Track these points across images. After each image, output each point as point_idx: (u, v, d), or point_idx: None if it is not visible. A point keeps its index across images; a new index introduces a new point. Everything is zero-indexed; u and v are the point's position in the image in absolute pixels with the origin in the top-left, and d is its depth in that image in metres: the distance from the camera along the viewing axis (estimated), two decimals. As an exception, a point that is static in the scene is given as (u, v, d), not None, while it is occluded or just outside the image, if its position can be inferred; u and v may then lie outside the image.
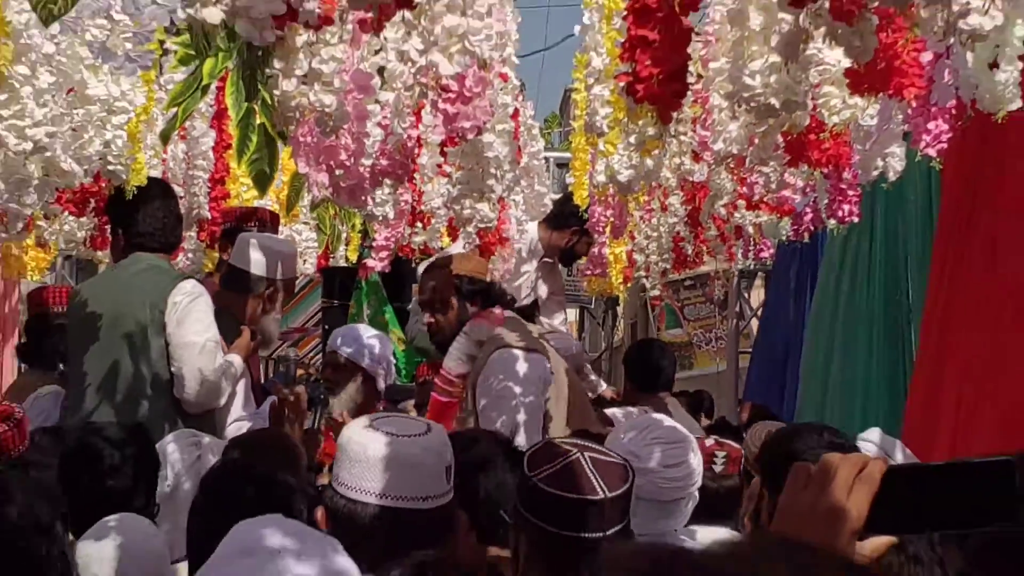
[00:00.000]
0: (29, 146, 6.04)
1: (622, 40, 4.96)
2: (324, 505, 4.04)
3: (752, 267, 15.22)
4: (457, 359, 7.54)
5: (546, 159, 15.07)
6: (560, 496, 4.03)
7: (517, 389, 7.21)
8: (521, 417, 7.15)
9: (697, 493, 5.41)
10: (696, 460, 5.71)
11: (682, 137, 7.09)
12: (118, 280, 6.90)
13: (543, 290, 10.62)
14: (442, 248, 10.50)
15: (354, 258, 12.36)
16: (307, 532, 2.80)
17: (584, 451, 4.45)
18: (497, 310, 7.61)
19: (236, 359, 7.03)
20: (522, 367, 7.30)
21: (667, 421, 6.11)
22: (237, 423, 7.38)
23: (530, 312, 9.77)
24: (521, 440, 6.86)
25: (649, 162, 6.81)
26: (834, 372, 11.15)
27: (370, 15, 3.81)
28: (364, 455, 3.95)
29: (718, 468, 5.89)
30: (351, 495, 3.92)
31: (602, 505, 4.05)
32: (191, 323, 6.64)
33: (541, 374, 7.41)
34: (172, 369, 6.69)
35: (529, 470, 4.12)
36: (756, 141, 5.96)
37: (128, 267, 6.92)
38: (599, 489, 4.06)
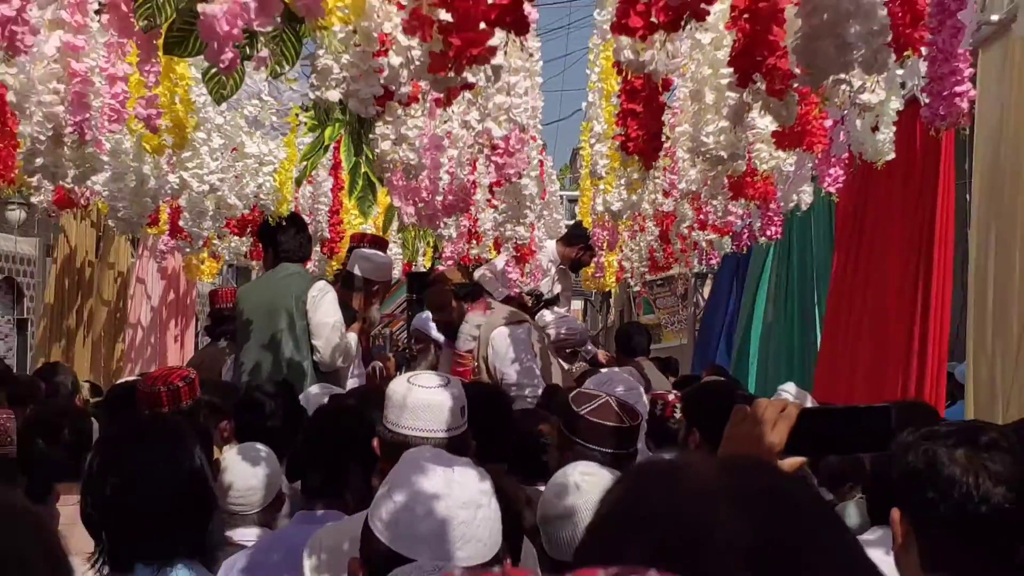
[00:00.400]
0: (206, 188, 6.04)
1: (616, 112, 4.94)
2: (378, 437, 4.01)
3: (704, 271, 15.31)
4: (464, 340, 7.57)
5: (560, 196, 15.03)
6: (601, 424, 4.10)
7: (515, 352, 7.32)
8: (526, 367, 7.28)
9: (645, 424, 5.40)
10: (644, 400, 5.80)
11: (657, 180, 7.09)
12: (271, 282, 6.98)
13: (558, 288, 10.63)
14: (490, 259, 10.52)
15: (428, 265, 12.39)
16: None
17: (610, 395, 4.68)
18: (481, 301, 7.66)
19: (352, 336, 7.11)
20: (515, 335, 7.40)
21: (628, 376, 6.20)
22: (352, 380, 7.46)
23: (553, 301, 9.80)
24: (527, 382, 7.13)
25: (634, 197, 6.78)
26: (762, 343, 11.31)
27: (442, 95, 3.76)
28: (403, 401, 3.93)
29: (677, 415, 5.84)
30: (395, 429, 3.89)
31: (628, 431, 4.10)
32: (324, 309, 6.72)
33: (528, 336, 7.54)
34: (312, 341, 6.76)
35: (575, 406, 4.20)
36: (709, 182, 5.97)
37: (277, 273, 6.99)
38: (625, 421, 4.13)
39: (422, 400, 3.97)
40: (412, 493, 2.50)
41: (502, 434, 4.67)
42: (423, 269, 12.33)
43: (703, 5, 2.93)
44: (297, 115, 7.30)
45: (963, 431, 2.75)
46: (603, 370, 7.67)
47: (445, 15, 2.69)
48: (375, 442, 4.02)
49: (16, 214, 12.42)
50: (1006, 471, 2.53)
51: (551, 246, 10.93)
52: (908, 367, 7.14)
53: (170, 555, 2.92)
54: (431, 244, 11.75)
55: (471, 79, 3.12)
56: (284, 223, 7.21)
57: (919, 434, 2.72)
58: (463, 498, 2.50)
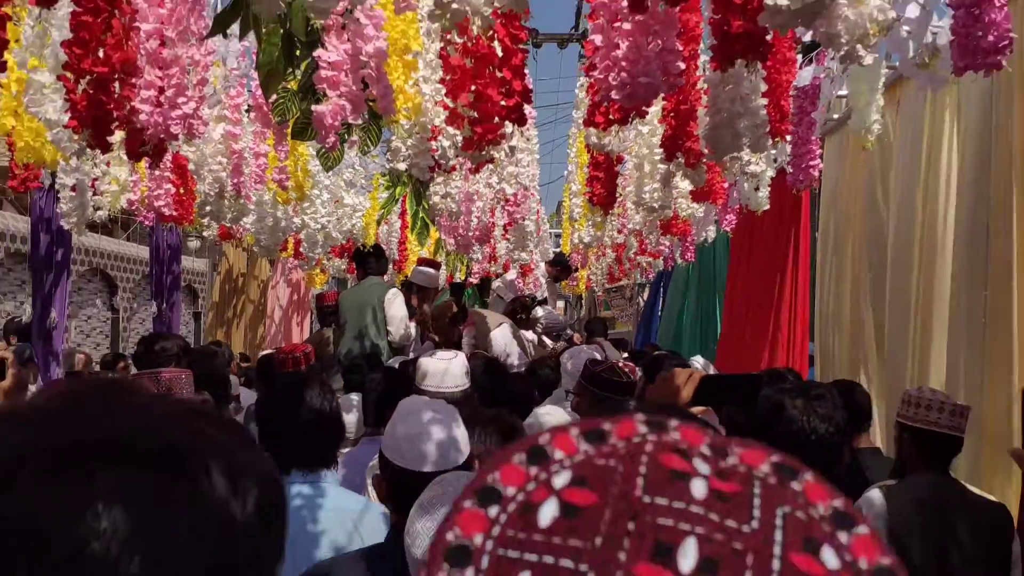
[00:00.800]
0: (318, 227, 6.03)
1: (587, 177, 4.92)
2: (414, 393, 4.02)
3: (644, 282, 15.26)
4: (465, 348, 7.09)
5: (550, 233, 15.00)
6: (612, 379, 4.05)
7: (504, 341, 7.07)
8: (513, 349, 7.06)
9: None
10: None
11: (613, 222, 7.06)
12: (361, 289, 6.91)
13: (547, 293, 10.58)
14: (503, 274, 10.54)
15: (463, 277, 12.31)
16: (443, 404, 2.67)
17: (616, 361, 4.61)
18: (469, 322, 7.19)
19: (413, 325, 7.05)
20: (502, 332, 7.12)
21: (593, 350, 6.06)
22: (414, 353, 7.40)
23: (543, 302, 9.72)
24: (515, 360, 6.90)
25: (598, 233, 6.76)
26: (680, 329, 11.25)
27: (474, 166, 3.76)
28: (425, 368, 3.95)
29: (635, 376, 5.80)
30: (421, 387, 3.89)
31: (629, 384, 4.07)
32: (395, 307, 6.66)
33: (509, 330, 7.20)
34: (388, 328, 6.72)
35: (593, 367, 4.15)
36: (647, 224, 5.94)
37: (366, 283, 6.92)
38: (626, 377, 4.09)
39: (436, 367, 3.98)
40: (407, 426, 2.45)
41: (500, 388, 4.62)
42: (459, 279, 12.29)
43: (643, 108, 2.90)
44: (378, 179, 7.33)
45: (800, 387, 2.83)
46: (577, 347, 7.64)
47: (472, 113, 2.69)
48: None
49: (194, 243, 12.45)
50: (827, 413, 2.61)
51: (542, 266, 10.91)
52: (779, 345, 7.12)
53: (316, 464, 2.89)
54: (465, 264, 11.72)
55: (495, 155, 3.11)
56: (370, 251, 7.19)
57: (773, 389, 2.75)
58: (440, 423, 2.48)
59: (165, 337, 4.75)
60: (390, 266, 10.13)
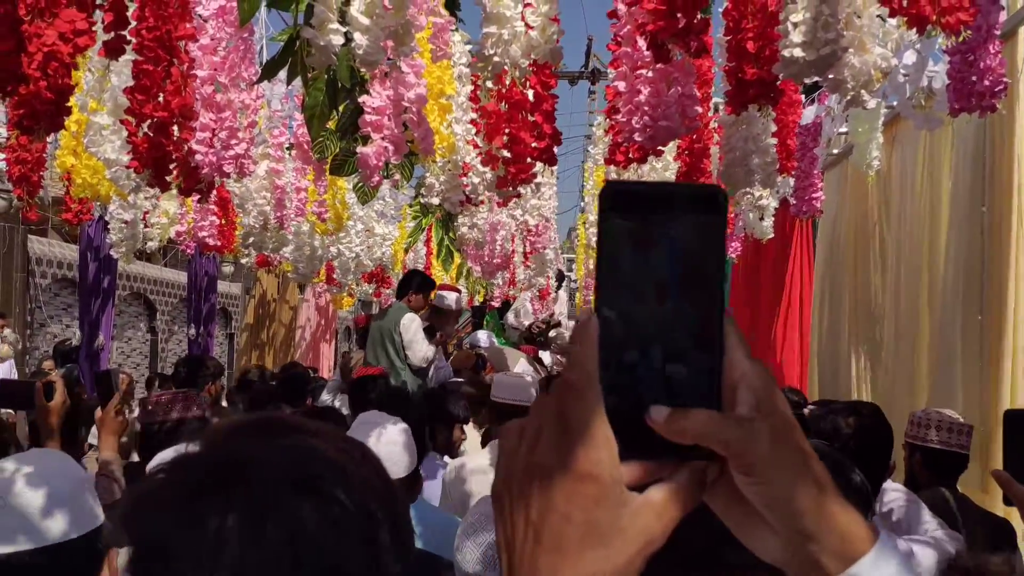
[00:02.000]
0: (352, 255, 6.08)
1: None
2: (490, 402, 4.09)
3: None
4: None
5: (564, 258, 15.01)
6: None
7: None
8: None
9: None
10: None
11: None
12: (386, 313, 6.87)
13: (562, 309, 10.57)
14: (517, 295, 10.59)
15: (481, 300, 12.29)
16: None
17: None
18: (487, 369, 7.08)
19: (432, 348, 6.89)
20: (520, 367, 6.89)
21: None
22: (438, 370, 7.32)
23: (557, 324, 9.69)
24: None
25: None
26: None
27: (502, 200, 3.81)
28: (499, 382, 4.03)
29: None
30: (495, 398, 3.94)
31: None
32: (411, 332, 6.55)
33: (525, 362, 6.86)
34: (405, 351, 6.65)
35: None
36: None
37: (391, 308, 6.88)
38: None
39: (511, 382, 4.04)
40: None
41: None
42: (480, 303, 12.28)
43: (659, 147, 2.94)
44: (406, 209, 7.39)
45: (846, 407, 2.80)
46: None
47: (506, 154, 2.74)
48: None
49: (228, 268, 12.54)
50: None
51: (562, 295, 10.92)
52: (782, 366, 7.13)
53: None
54: (484, 288, 11.73)
55: (521, 191, 3.15)
56: (405, 276, 7.16)
57: (825, 409, 2.75)
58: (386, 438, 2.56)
59: (205, 359, 4.80)
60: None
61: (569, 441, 0.55)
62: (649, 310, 0.57)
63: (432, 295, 7.30)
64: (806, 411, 3.02)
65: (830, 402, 3.32)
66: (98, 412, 3.23)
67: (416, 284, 6.76)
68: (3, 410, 4.33)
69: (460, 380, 6.92)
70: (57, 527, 1.57)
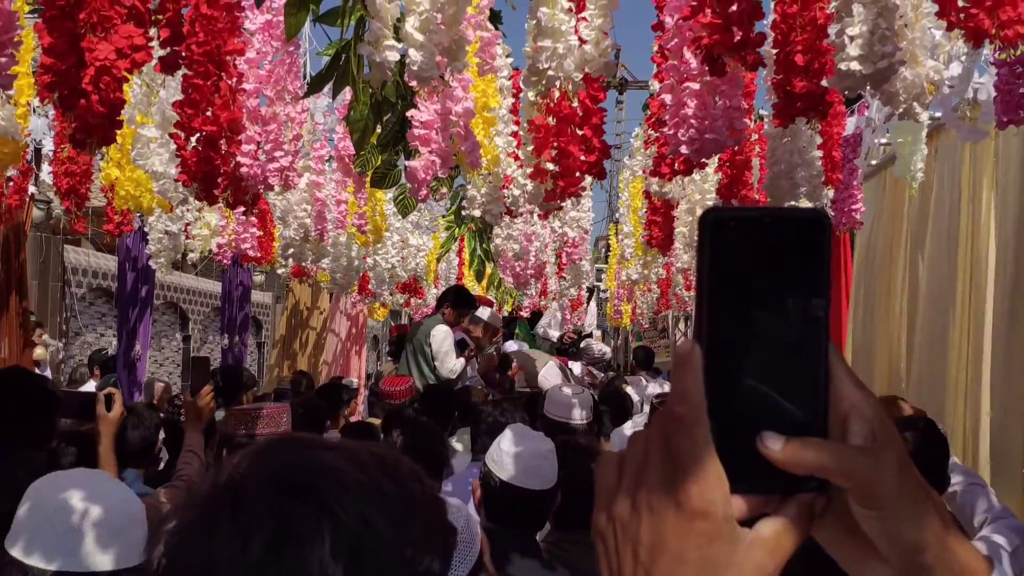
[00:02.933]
0: (388, 266, 6.10)
1: (643, 220, 4.94)
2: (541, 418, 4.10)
3: (680, 315, 15.14)
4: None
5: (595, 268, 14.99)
6: None
7: (553, 377, 6.74)
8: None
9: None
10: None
11: (660, 259, 7.04)
12: (421, 324, 6.86)
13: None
14: (548, 305, 10.57)
15: (509, 310, 12.28)
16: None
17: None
18: (516, 366, 7.20)
19: (461, 362, 6.82)
20: (548, 370, 6.81)
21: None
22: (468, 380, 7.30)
23: (588, 335, 9.66)
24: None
25: (646, 271, 6.77)
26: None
27: (543, 212, 3.81)
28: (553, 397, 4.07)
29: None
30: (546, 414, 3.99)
31: None
32: (437, 342, 6.51)
33: (555, 367, 6.80)
34: (434, 361, 6.62)
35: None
36: (694, 263, 5.91)
37: (426, 320, 6.88)
38: None
39: (562, 400, 4.03)
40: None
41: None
42: (507, 313, 12.26)
43: (703, 160, 2.92)
44: (439, 220, 7.41)
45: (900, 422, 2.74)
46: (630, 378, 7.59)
47: (554, 167, 2.72)
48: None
49: (260, 277, 12.61)
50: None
51: (592, 306, 10.86)
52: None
53: None
54: (513, 297, 11.72)
55: (561, 204, 3.14)
56: (440, 297, 7.15)
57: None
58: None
59: (242, 369, 4.82)
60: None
61: (679, 477, 0.53)
62: (752, 338, 0.56)
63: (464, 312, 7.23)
64: None
65: None
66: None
67: (452, 298, 6.76)
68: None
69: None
70: (106, 559, 1.60)
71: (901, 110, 2.63)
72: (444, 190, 3.54)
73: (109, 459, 2.99)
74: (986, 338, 4.44)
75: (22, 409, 2.77)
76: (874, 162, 5.56)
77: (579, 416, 3.98)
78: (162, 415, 6.58)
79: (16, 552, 1.57)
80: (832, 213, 4.85)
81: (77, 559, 1.57)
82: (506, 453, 2.59)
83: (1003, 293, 4.22)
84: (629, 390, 4.98)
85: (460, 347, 6.78)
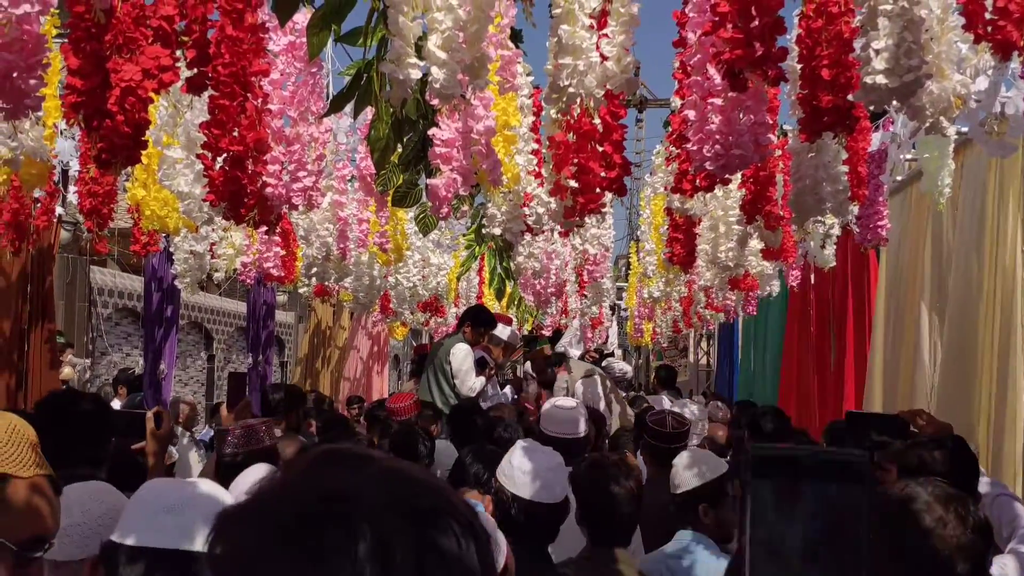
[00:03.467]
0: (410, 285, 6.09)
1: (665, 238, 4.92)
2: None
3: (704, 333, 15.08)
4: (557, 391, 7.16)
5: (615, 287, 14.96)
6: (661, 431, 4.04)
7: (587, 392, 6.89)
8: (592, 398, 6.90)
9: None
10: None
11: (682, 277, 6.99)
12: (443, 344, 6.85)
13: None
14: (568, 324, 10.54)
15: (529, 329, 12.21)
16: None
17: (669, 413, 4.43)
18: (563, 366, 7.36)
19: (481, 380, 6.86)
20: (587, 384, 7.00)
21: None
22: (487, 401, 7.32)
23: (610, 354, 9.65)
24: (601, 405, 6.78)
25: (668, 289, 6.74)
26: (751, 374, 11.10)
27: (564, 230, 3.79)
28: (547, 414, 4.15)
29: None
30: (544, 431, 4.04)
31: (681, 434, 4.02)
32: (456, 361, 6.50)
33: (596, 383, 7.03)
34: (454, 381, 6.63)
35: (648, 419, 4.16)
36: (716, 282, 5.86)
37: (447, 339, 6.87)
38: (676, 427, 4.06)
39: (557, 415, 4.00)
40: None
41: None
42: (527, 332, 12.24)
43: (727, 176, 2.90)
44: (463, 236, 7.39)
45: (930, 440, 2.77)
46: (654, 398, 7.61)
47: (574, 184, 2.71)
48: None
49: (283, 297, 12.64)
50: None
51: (614, 326, 10.87)
52: (843, 397, 7.01)
53: None
54: (533, 316, 11.67)
55: (585, 221, 3.12)
56: (462, 316, 7.22)
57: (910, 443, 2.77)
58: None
59: (275, 388, 4.82)
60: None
61: None
62: (797, 570, 0.59)
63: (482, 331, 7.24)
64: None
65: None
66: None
67: (472, 317, 6.77)
68: None
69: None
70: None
71: (928, 124, 2.61)
72: (465, 208, 3.53)
73: (158, 473, 3.03)
74: (1012, 353, 4.38)
75: (79, 430, 2.81)
76: (900, 178, 5.52)
77: (582, 428, 4.04)
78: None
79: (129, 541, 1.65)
80: (857, 229, 4.82)
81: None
82: (518, 469, 2.66)
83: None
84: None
85: (480, 365, 6.78)
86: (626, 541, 2.80)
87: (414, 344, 12.04)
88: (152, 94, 2.46)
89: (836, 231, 5.40)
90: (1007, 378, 4.45)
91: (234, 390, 3.49)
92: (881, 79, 2.11)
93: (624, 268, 16.79)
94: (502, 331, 7.21)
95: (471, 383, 6.80)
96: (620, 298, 16.30)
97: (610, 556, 2.70)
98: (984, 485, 2.87)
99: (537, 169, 3.63)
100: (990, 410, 4.61)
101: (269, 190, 3.04)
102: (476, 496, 2.97)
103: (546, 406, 4.37)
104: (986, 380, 4.67)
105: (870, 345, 6.68)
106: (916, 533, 1.81)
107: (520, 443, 2.79)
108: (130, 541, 1.64)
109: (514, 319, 10.41)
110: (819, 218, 3.54)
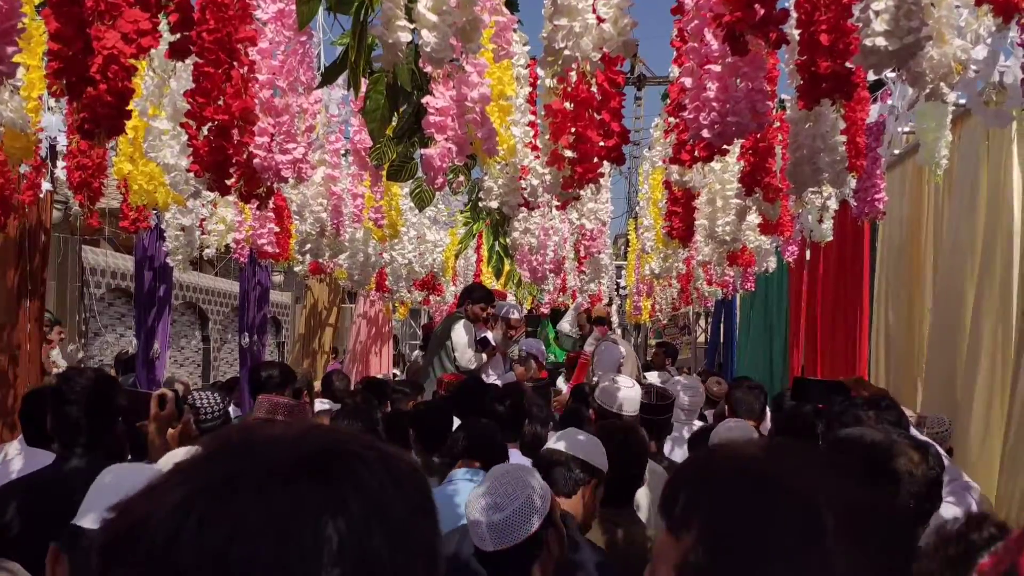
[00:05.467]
0: (405, 262, 6.04)
1: (663, 212, 4.87)
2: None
3: (702, 311, 15.07)
4: (588, 346, 7.51)
5: (614, 264, 14.94)
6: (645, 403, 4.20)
7: (611, 357, 7.09)
8: (611, 365, 7.01)
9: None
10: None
11: (681, 253, 6.95)
12: (445, 319, 6.88)
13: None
14: (568, 303, 10.47)
15: (529, 307, 12.16)
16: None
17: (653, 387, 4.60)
18: (604, 327, 7.62)
19: (480, 356, 6.95)
20: (613, 349, 7.17)
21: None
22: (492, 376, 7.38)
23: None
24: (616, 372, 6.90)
25: (666, 265, 6.70)
26: (747, 350, 11.10)
27: (560, 203, 3.74)
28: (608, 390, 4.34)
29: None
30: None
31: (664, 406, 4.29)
32: (457, 335, 6.55)
33: (617, 353, 7.28)
34: (454, 353, 6.69)
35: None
36: (716, 256, 5.82)
37: (448, 316, 6.92)
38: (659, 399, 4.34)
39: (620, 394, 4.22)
40: None
41: None
42: (528, 310, 12.21)
43: (724, 145, 2.86)
44: (458, 215, 7.34)
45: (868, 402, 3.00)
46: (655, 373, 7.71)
47: (571, 153, 2.66)
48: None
49: (279, 277, 12.59)
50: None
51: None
52: (840, 368, 7.00)
53: None
54: (533, 295, 11.63)
55: (580, 193, 3.08)
56: (462, 293, 7.34)
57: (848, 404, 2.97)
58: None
59: (270, 365, 4.75)
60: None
61: None
62: None
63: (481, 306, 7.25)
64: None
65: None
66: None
67: (469, 294, 6.81)
68: None
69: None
70: None
71: (928, 91, 2.56)
72: (461, 179, 3.47)
73: (160, 455, 3.00)
74: (1002, 328, 4.36)
75: (89, 409, 2.84)
76: (897, 151, 5.48)
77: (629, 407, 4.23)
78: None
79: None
80: (855, 202, 4.78)
81: None
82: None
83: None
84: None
85: (483, 344, 6.80)
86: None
87: (425, 323, 12.05)
88: (136, 62, 2.41)
89: (834, 204, 5.36)
90: (996, 353, 4.44)
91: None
92: (881, 41, 2.06)
93: (623, 247, 16.75)
94: (499, 307, 7.22)
95: (468, 357, 6.88)
96: (619, 276, 16.27)
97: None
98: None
99: (533, 141, 3.58)
100: (975, 384, 4.60)
101: (257, 161, 2.99)
102: None
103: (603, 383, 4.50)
104: (978, 354, 4.65)
105: (866, 318, 6.67)
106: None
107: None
108: (87, 524, 1.66)
109: (510, 295, 10.39)
110: (815, 189, 3.50)
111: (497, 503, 2.24)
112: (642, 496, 3.33)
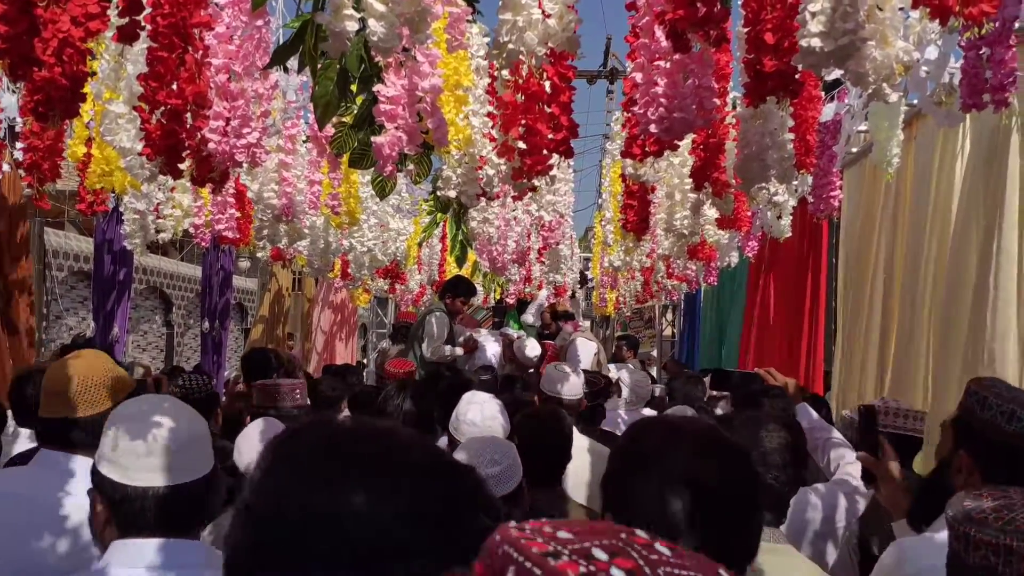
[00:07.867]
0: (365, 250, 6.06)
1: (620, 205, 4.92)
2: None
3: (668, 304, 15.16)
4: (559, 341, 7.70)
5: (580, 256, 14.97)
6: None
7: (580, 352, 7.21)
8: (580, 359, 7.10)
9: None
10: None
11: (643, 246, 7.00)
12: (421, 313, 7.03)
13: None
14: (537, 294, 10.51)
15: (497, 298, 12.23)
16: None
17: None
18: (574, 322, 7.87)
19: (448, 348, 7.14)
20: (583, 345, 7.33)
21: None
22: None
23: (570, 317, 9.79)
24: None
25: (628, 258, 6.74)
26: (710, 342, 11.18)
27: (517, 194, 3.77)
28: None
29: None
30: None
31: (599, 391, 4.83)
32: (428, 327, 6.73)
33: (589, 348, 7.46)
34: (423, 345, 6.83)
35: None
36: (676, 249, 5.87)
37: (428, 308, 7.05)
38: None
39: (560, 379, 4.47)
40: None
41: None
42: (494, 301, 12.27)
43: (675, 142, 2.91)
44: (422, 204, 7.36)
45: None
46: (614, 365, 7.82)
47: (522, 145, 2.70)
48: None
49: (245, 263, 12.53)
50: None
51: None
52: (797, 366, 7.07)
53: None
54: (500, 285, 11.67)
55: (536, 184, 3.12)
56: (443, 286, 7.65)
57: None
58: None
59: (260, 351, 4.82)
60: (430, 286, 10.23)
61: None
62: None
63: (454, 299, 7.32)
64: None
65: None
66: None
67: (452, 288, 7.08)
68: None
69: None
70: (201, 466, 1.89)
71: (871, 91, 2.62)
72: (411, 167, 3.50)
73: None
74: (952, 326, 4.44)
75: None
76: (855, 150, 5.56)
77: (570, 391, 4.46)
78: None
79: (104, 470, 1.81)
80: (811, 199, 4.85)
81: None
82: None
83: (967, 277, 4.20)
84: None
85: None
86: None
87: (400, 312, 12.07)
88: (89, 45, 2.42)
89: (792, 202, 5.44)
90: (938, 352, 4.52)
91: None
92: (816, 42, 2.11)
93: (592, 239, 16.85)
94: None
95: (431, 349, 6.98)
96: (587, 268, 16.33)
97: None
98: (824, 430, 3.70)
99: (491, 132, 3.61)
100: (927, 382, 4.69)
101: (212, 146, 3.01)
102: None
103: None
104: (928, 355, 4.73)
105: (823, 319, 6.76)
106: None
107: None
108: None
109: (480, 288, 10.42)
110: (764, 185, 3.56)
111: (494, 459, 2.78)
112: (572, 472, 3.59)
